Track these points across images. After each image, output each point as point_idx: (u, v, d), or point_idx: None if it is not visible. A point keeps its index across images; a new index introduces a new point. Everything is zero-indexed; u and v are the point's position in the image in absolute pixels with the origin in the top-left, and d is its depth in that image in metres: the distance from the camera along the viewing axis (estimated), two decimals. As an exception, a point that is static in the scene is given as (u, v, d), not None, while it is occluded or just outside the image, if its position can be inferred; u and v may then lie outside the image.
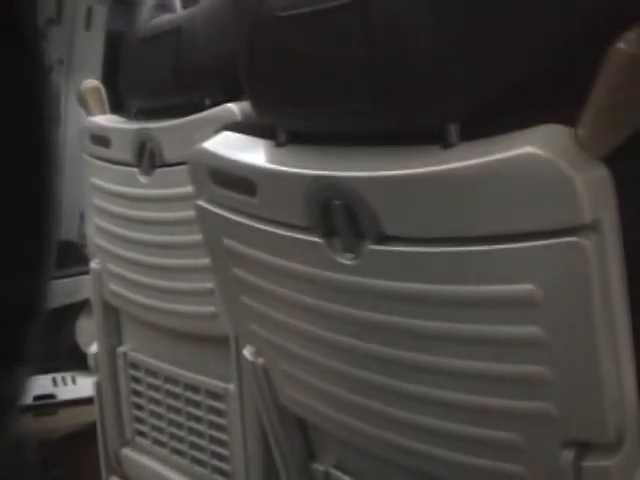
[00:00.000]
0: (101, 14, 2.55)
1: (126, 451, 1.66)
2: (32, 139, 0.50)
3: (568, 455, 0.78)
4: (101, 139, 1.51)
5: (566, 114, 0.75)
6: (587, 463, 0.77)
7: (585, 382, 0.76)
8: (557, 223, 0.73)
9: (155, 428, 1.57)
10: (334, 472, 1.06)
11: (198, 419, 1.45)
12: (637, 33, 0.74)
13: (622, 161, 0.75)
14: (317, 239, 0.90)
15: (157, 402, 1.54)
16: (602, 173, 0.74)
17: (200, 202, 1.06)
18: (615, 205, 0.75)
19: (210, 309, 1.33)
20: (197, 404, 1.44)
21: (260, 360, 1.08)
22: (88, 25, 2.53)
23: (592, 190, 0.72)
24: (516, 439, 0.81)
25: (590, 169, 0.74)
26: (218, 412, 1.40)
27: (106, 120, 1.56)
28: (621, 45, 0.73)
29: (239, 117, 1.23)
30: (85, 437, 1.88)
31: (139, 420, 1.61)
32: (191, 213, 1.11)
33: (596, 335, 0.74)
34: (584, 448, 0.78)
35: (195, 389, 1.44)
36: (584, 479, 0.78)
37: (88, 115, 1.60)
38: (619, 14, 0.79)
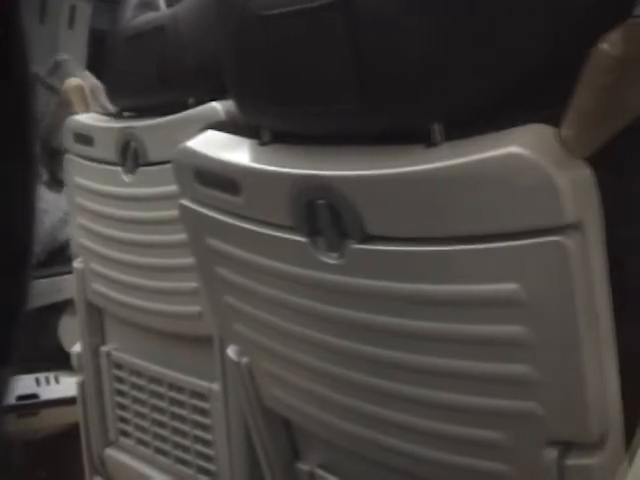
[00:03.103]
0: (84, 12, 2.55)
1: (110, 451, 1.65)
2: (14, 137, 0.50)
3: (552, 454, 0.78)
4: (84, 138, 1.50)
5: (550, 114, 0.76)
6: (570, 462, 0.78)
7: (568, 381, 0.76)
8: (540, 223, 0.73)
9: (139, 428, 1.56)
10: (319, 472, 1.06)
11: (182, 419, 1.45)
12: (620, 34, 0.74)
13: (605, 161, 0.76)
14: (301, 238, 0.90)
15: (141, 402, 1.54)
16: (585, 173, 0.75)
17: (184, 201, 1.06)
18: (598, 205, 0.75)
19: (194, 309, 1.33)
20: (181, 404, 1.44)
21: (244, 359, 1.08)
22: (72, 23, 2.53)
23: (575, 190, 0.73)
24: (500, 438, 0.81)
25: (573, 169, 0.74)
26: (202, 412, 1.40)
27: (89, 118, 1.55)
28: (604, 46, 0.73)
29: (223, 116, 1.23)
30: (68, 437, 1.88)
31: (123, 420, 1.60)
32: (175, 212, 1.11)
33: (579, 334, 0.74)
34: (567, 447, 0.78)
35: (179, 389, 1.44)
36: (567, 477, 0.78)
37: (71, 114, 1.60)
38: (603, 14, 0.79)
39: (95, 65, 2.27)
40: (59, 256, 2.12)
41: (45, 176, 2.12)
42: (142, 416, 1.55)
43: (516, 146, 0.73)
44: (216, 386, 1.35)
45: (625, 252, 0.78)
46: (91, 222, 1.52)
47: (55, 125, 1.78)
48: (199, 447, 1.42)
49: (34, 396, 2.11)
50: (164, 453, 1.51)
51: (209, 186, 1.00)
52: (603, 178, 0.75)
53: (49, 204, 2.12)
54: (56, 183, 2.09)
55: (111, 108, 1.57)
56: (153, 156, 1.37)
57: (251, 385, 1.09)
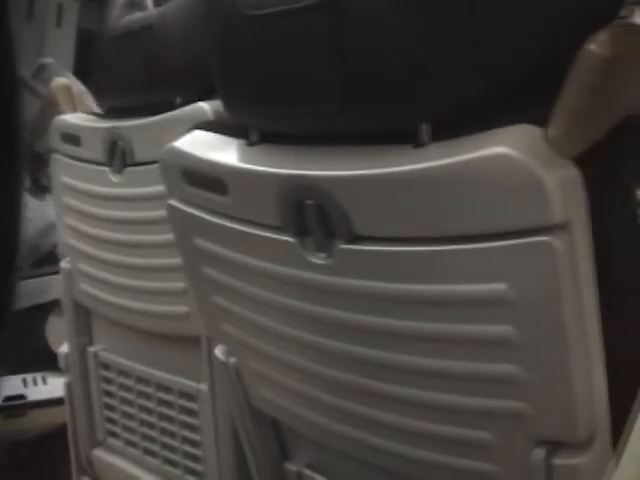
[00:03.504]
0: (72, 11, 2.54)
1: (98, 452, 1.65)
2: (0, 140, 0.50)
3: (539, 453, 0.78)
4: (71, 137, 1.50)
5: (538, 114, 0.76)
6: (558, 461, 0.78)
7: (556, 381, 0.76)
8: (528, 223, 0.73)
9: (127, 429, 1.56)
10: (307, 472, 1.06)
11: (170, 419, 1.44)
12: (608, 34, 0.74)
13: (593, 161, 0.76)
14: (289, 238, 0.90)
15: (129, 402, 1.53)
16: (573, 173, 0.75)
17: (171, 201, 1.05)
18: (586, 205, 0.75)
19: (182, 309, 1.33)
20: (169, 404, 1.44)
21: (232, 360, 1.08)
22: (59, 22, 2.52)
23: (563, 190, 0.73)
24: (489, 438, 0.81)
25: (561, 169, 0.74)
26: (190, 412, 1.40)
27: (76, 118, 1.55)
28: (592, 46, 0.74)
29: (211, 116, 1.23)
30: (56, 438, 1.87)
31: (111, 421, 1.60)
32: (162, 212, 1.11)
33: (566, 334, 0.74)
34: (555, 446, 0.78)
35: (167, 389, 1.44)
36: (555, 477, 0.78)
37: (58, 114, 1.59)
38: (590, 15, 0.79)
39: (82, 64, 2.26)
40: (45, 262, 2.11)
41: (28, 182, 2.10)
42: (130, 417, 1.54)
43: (504, 146, 0.73)
44: (204, 386, 1.35)
45: (612, 252, 0.79)
46: (78, 222, 1.52)
47: (39, 130, 1.78)
48: (187, 448, 1.42)
49: (22, 397, 2.10)
50: (152, 454, 1.50)
51: (197, 186, 1.00)
52: (591, 178, 0.75)
53: (34, 212, 2.10)
54: (39, 190, 2.08)
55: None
56: (140, 156, 1.37)
57: (239, 385, 1.08)
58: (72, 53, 2.54)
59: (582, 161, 0.75)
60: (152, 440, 1.50)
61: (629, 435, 0.77)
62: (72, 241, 1.55)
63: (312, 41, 0.84)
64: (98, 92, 1.55)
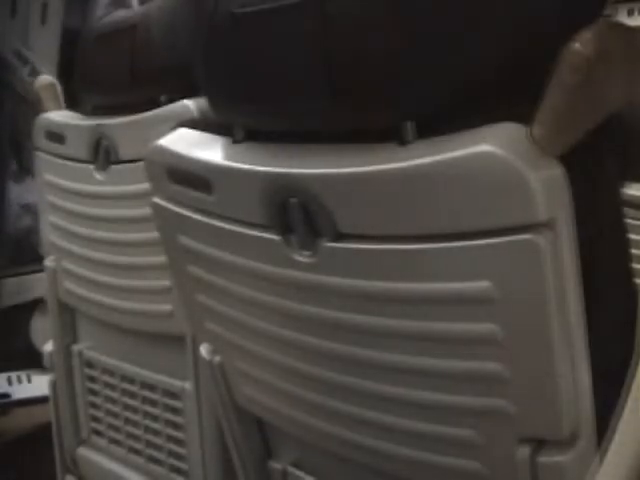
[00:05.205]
0: (56, 8, 2.53)
1: (82, 450, 1.64)
2: None
3: (524, 451, 0.78)
4: (55, 135, 1.49)
5: (522, 112, 0.76)
6: (542, 459, 0.78)
7: (540, 379, 0.76)
8: (512, 221, 0.73)
9: (111, 427, 1.56)
10: (292, 470, 1.06)
11: (155, 418, 1.44)
12: (591, 33, 0.74)
13: (577, 159, 0.76)
14: (274, 237, 0.90)
15: (113, 401, 1.53)
16: (557, 171, 0.75)
17: (156, 199, 1.05)
18: (570, 203, 0.75)
19: (166, 307, 1.32)
20: (154, 403, 1.44)
21: (217, 358, 1.08)
22: (43, 19, 2.51)
23: (547, 188, 0.73)
24: (473, 436, 0.82)
25: (545, 167, 0.74)
26: (175, 410, 1.40)
27: (61, 116, 1.54)
28: (576, 45, 0.74)
29: (195, 114, 1.23)
30: (40, 436, 1.87)
31: (95, 419, 1.60)
32: (147, 210, 1.10)
33: (551, 332, 0.74)
34: (539, 444, 0.78)
35: (151, 387, 1.43)
36: (539, 474, 0.78)
37: (42, 111, 1.59)
38: (575, 13, 0.79)
39: (67, 62, 2.26)
40: (28, 260, 2.10)
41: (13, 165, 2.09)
42: (114, 415, 1.54)
43: (488, 144, 0.73)
44: (188, 385, 1.35)
45: (597, 250, 0.79)
46: (63, 220, 1.51)
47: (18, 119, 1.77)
48: (172, 446, 1.42)
49: (6, 395, 2.10)
50: (137, 452, 1.50)
51: (181, 184, 1.00)
52: (575, 176, 0.76)
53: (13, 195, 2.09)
54: (22, 170, 2.07)
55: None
56: (125, 154, 1.36)
57: (223, 384, 1.08)
58: (57, 50, 2.53)
59: (567, 159, 0.75)
60: (137, 438, 1.49)
61: (613, 433, 0.78)
62: (56, 239, 1.54)
63: (297, 39, 0.84)
64: (83, 90, 1.55)
